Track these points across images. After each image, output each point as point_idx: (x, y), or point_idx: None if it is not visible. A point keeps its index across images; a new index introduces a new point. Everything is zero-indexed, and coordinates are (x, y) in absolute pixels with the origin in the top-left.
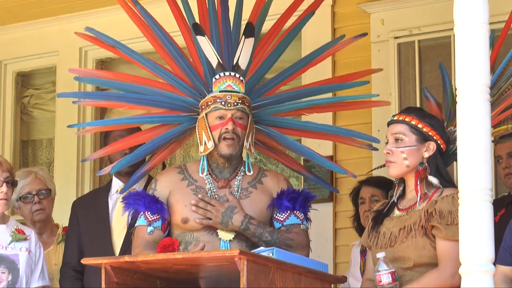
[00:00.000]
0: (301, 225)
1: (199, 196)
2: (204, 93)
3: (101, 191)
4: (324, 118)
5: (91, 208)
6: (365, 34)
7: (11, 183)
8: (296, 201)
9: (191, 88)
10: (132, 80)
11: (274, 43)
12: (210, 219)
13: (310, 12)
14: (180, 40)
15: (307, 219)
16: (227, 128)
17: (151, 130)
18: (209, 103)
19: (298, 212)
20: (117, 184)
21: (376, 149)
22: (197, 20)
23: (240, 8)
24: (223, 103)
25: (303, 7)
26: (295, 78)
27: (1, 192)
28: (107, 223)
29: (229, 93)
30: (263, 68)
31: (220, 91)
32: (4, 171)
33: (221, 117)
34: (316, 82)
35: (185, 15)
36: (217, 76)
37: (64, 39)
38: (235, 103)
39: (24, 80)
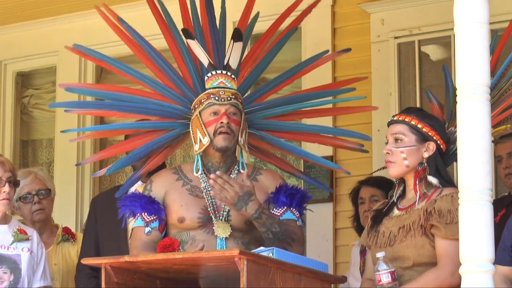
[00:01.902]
0: (297, 222)
1: (218, 172)
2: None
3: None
4: (324, 118)
5: (109, 206)
6: (348, 50)
7: (13, 183)
8: (293, 198)
9: (181, 97)
10: (122, 91)
11: (262, 54)
12: (225, 198)
13: (292, 29)
14: (160, 44)
15: (301, 220)
16: (222, 122)
17: (145, 135)
18: (202, 100)
19: (294, 209)
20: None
21: (366, 151)
22: (180, 25)
23: (224, 10)
24: (216, 98)
25: (300, 7)
26: (282, 88)
27: (4, 192)
28: (124, 223)
29: (222, 89)
30: (253, 76)
31: (213, 87)
32: (7, 171)
33: (215, 113)
34: (305, 90)
35: (168, 23)
36: (209, 74)
37: (64, 39)
38: (229, 98)
39: (24, 80)
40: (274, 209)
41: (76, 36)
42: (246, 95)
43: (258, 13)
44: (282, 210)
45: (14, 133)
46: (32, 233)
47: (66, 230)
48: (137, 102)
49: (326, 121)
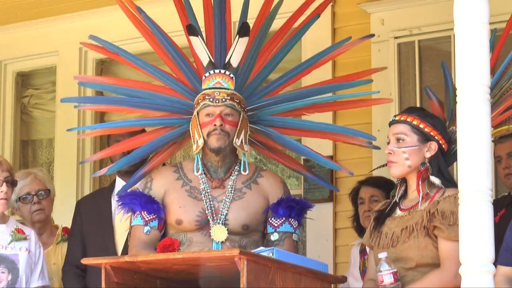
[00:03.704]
0: (293, 235)
1: None
2: None
3: (105, 191)
4: (324, 118)
5: (94, 208)
6: (372, 35)
7: (11, 183)
8: (293, 209)
9: (191, 91)
10: (132, 85)
11: (279, 45)
12: None
13: (315, 16)
14: (181, 40)
15: (300, 226)
16: (215, 125)
17: (150, 132)
18: (199, 101)
19: (292, 220)
20: (120, 184)
21: (378, 148)
22: (201, 19)
23: (228, 7)
24: (211, 99)
25: (307, 10)
26: (297, 80)
27: (1, 191)
28: (110, 223)
29: (218, 89)
30: (267, 69)
31: (209, 88)
32: (4, 171)
33: (209, 114)
34: (318, 83)
35: (188, 14)
36: (206, 74)
37: (64, 39)
38: (223, 99)
39: (24, 80)
40: (273, 219)
41: (76, 36)
42: (260, 87)
43: (281, 0)
44: (280, 221)
45: (14, 133)
46: (30, 232)
47: (66, 230)
48: (146, 98)
49: (326, 119)
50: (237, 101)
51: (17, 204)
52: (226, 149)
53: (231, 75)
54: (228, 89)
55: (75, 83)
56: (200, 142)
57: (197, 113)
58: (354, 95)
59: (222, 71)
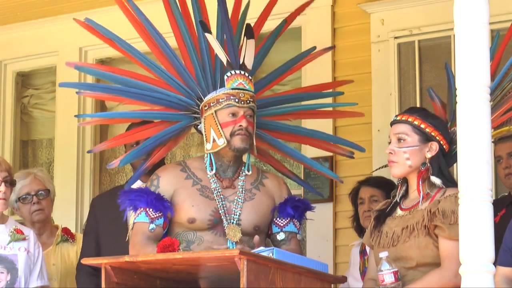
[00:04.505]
0: (298, 235)
1: (239, 247)
2: (198, 94)
3: (120, 190)
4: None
5: (109, 207)
6: (332, 48)
7: (10, 183)
8: (297, 209)
9: (186, 88)
10: (129, 75)
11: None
12: None
13: (282, 21)
14: (171, 42)
15: (301, 226)
16: (240, 125)
17: (151, 126)
18: (220, 100)
19: (296, 220)
20: (137, 183)
21: (353, 158)
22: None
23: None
24: (236, 100)
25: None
26: (272, 87)
27: (0, 191)
28: (125, 222)
29: (242, 91)
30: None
31: (233, 89)
32: (3, 171)
33: (233, 114)
34: (296, 89)
35: (176, 15)
36: (228, 74)
37: (64, 39)
38: (248, 101)
39: (24, 80)
40: (279, 219)
41: (76, 36)
42: None
43: (248, 3)
44: (286, 221)
45: (14, 133)
46: (29, 232)
47: (66, 231)
48: (145, 90)
49: (326, 120)
50: (255, 103)
51: (17, 204)
52: (248, 150)
53: (250, 77)
54: (250, 91)
55: (82, 62)
56: (221, 142)
57: (215, 112)
58: (329, 105)
59: (242, 72)
